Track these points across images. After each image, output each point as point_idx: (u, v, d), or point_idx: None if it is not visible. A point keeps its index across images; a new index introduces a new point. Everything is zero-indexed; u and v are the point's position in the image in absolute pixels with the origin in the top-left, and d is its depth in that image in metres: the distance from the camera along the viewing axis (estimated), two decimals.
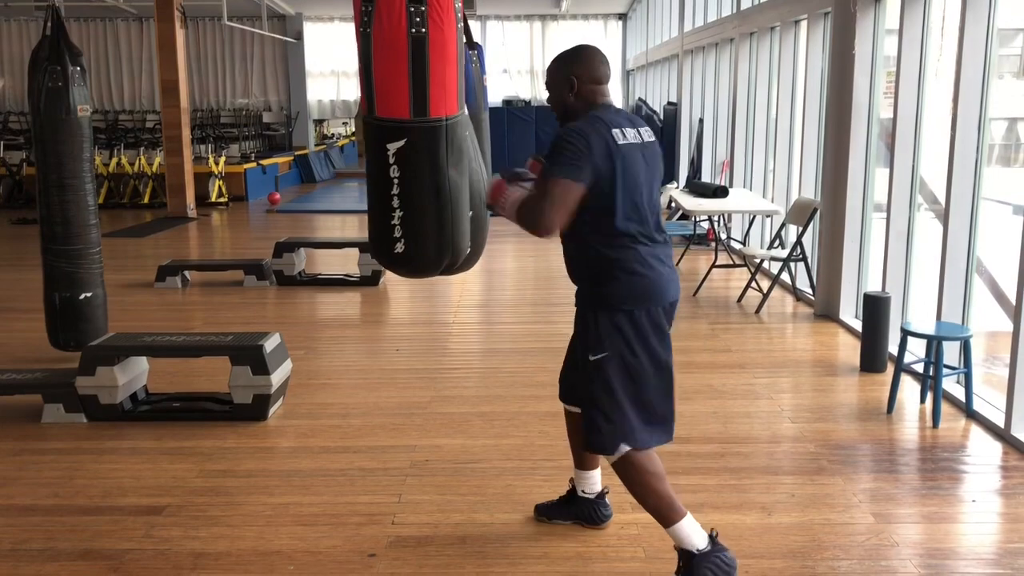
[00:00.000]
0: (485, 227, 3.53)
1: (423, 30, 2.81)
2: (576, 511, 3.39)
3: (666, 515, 2.92)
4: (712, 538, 2.93)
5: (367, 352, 6.12)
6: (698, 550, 2.88)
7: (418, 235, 2.99)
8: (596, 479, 3.37)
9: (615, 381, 2.88)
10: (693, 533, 2.91)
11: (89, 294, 5.43)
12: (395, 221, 2.99)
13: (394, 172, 2.93)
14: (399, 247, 3.01)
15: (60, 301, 5.36)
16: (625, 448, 2.90)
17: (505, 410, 4.67)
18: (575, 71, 2.95)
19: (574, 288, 3.03)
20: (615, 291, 2.86)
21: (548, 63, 3.06)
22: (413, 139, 2.90)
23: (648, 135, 2.97)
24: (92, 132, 5.44)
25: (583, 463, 3.35)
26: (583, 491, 3.37)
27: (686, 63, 12.44)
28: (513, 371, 5.38)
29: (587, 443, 3.00)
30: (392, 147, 2.91)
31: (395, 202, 2.96)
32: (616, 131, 2.85)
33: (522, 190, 2.87)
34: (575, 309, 3.00)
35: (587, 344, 2.91)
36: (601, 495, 3.39)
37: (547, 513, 3.43)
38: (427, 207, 2.97)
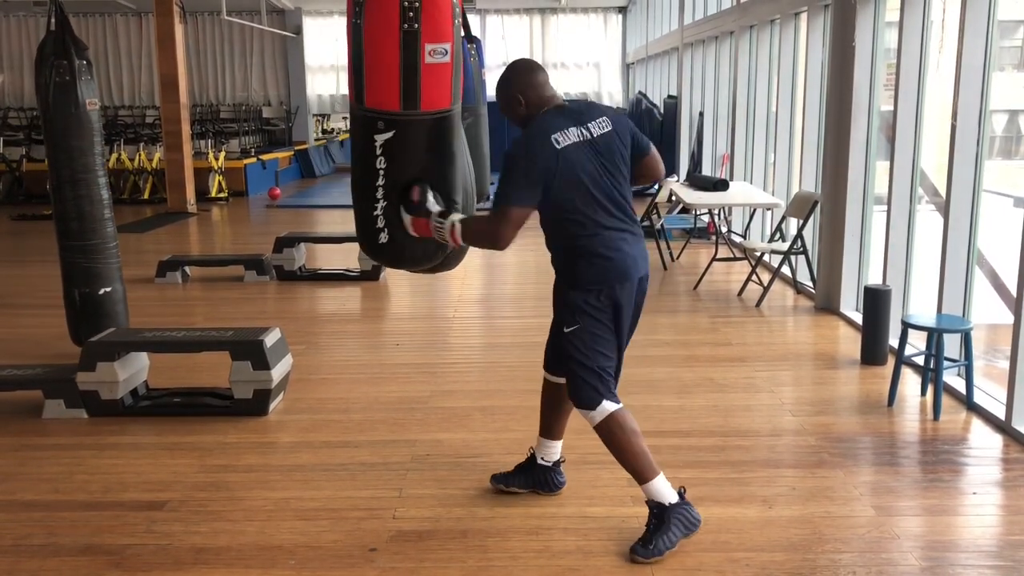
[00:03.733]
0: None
1: (416, 25, 2.93)
2: (534, 478, 3.57)
3: (644, 472, 3.19)
4: (681, 494, 3.21)
5: (368, 347, 6.12)
6: (669, 503, 3.17)
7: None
8: (557, 449, 3.60)
9: (586, 348, 3.17)
10: (665, 489, 3.19)
11: (108, 289, 5.40)
12: (378, 212, 3.19)
13: (381, 163, 3.12)
14: (383, 237, 3.24)
15: (80, 297, 5.33)
16: (609, 406, 3.18)
17: (506, 404, 4.67)
18: (518, 88, 3.20)
19: None
20: (582, 274, 3.14)
21: (496, 90, 3.27)
22: (400, 131, 3.08)
23: (599, 127, 3.16)
24: (102, 126, 5.42)
25: (551, 433, 3.56)
26: (543, 459, 3.58)
27: (686, 56, 12.42)
28: (514, 365, 5.38)
29: (574, 401, 3.26)
30: (380, 139, 3.09)
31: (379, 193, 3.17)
32: (556, 135, 3.06)
33: (456, 224, 3.11)
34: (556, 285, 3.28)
35: (563, 318, 3.22)
36: (557, 463, 3.60)
37: (504, 481, 3.59)
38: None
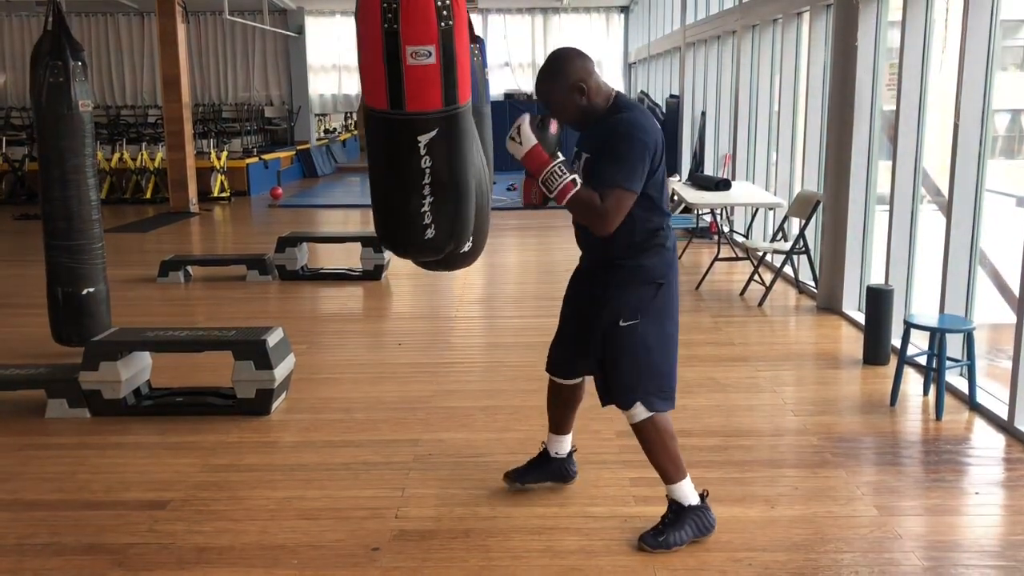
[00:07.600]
0: (487, 222, 3.51)
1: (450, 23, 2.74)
2: (550, 471, 3.59)
3: (673, 474, 3.18)
4: (703, 497, 3.21)
5: (370, 346, 6.13)
6: (690, 504, 3.18)
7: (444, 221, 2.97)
8: (568, 442, 3.62)
9: (647, 345, 3.10)
10: (689, 491, 3.19)
11: (92, 289, 5.42)
12: (425, 208, 2.98)
13: (426, 163, 2.90)
14: (430, 233, 2.99)
15: (63, 296, 5.36)
16: (653, 409, 3.12)
17: (508, 404, 4.67)
18: (580, 76, 3.01)
19: None
20: (656, 264, 3.08)
21: (537, 82, 3.08)
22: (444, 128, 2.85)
23: None
24: (94, 127, 5.43)
25: (562, 428, 3.57)
26: (556, 453, 3.60)
27: (688, 56, 12.41)
28: (516, 365, 5.38)
29: (616, 400, 3.17)
30: (424, 138, 2.87)
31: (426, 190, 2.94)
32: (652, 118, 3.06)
33: (578, 183, 2.92)
34: (597, 279, 3.15)
35: (619, 312, 3.08)
36: (570, 454, 3.64)
37: (520, 479, 3.57)
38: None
